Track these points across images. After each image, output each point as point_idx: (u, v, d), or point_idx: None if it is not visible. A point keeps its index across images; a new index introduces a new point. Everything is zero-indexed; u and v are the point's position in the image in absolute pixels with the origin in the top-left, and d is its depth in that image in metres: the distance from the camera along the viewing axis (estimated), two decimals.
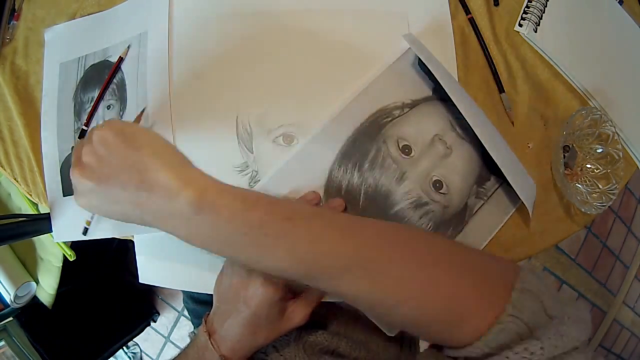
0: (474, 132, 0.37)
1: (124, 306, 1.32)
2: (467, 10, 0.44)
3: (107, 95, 0.46)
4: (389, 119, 0.41)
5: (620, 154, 0.42)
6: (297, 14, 0.43)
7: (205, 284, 0.42)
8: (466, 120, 0.37)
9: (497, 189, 0.41)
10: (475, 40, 0.44)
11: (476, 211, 0.41)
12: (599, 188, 0.43)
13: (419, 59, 0.39)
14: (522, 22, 0.45)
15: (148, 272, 0.45)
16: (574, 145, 0.44)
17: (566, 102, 0.45)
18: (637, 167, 0.46)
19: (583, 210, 0.41)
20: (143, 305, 1.40)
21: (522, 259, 0.43)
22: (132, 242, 0.45)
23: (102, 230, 0.46)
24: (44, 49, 0.49)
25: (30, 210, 0.63)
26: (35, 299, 0.80)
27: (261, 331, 0.34)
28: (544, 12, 0.45)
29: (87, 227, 0.45)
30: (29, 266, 0.79)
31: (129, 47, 0.44)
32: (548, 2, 0.45)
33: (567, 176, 0.43)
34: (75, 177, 0.29)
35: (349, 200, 0.40)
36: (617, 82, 0.46)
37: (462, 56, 0.43)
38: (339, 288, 0.26)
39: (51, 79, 0.49)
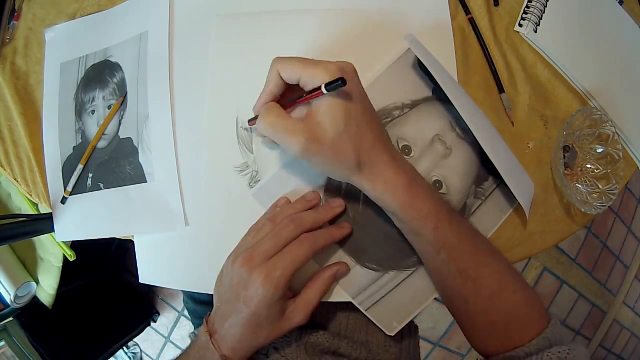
0: (473, 133, 0.37)
1: (124, 306, 1.33)
2: (467, 10, 0.44)
3: (107, 95, 0.46)
4: (389, 119, 0.41)
5: (620, 154, 0.42)
6: (297, 14, 0.43)
7: (205, 284, 0.42)
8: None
9: (494, 189, 0.41)
10: (475, 40, 0.44)
11: (474, 211, 0.41)
12: (599, 188, 0.43)
13: (419, 59, 0.39)
14: (522, 22, 0.45)
15: (148, 272, 0.45)
16: (574, 145, 0.44)
17: (566, 102, 0.45)
18: (637, 167, 0.46)
19: (583, 210, 0.41)
20: (143, 305, 1.40)
21: (522, 259, 0.44)
22: (132, 242, 0.45)
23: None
24: (44, 49, 0.49)
25: (30, 210, 0.63)
26: (35, 299, 0.80)
27: (261, 331, 0.34)
28: (544, 12, 0.45)
29: (65, 196, 0.47)
30: (29, 266, 0.79)
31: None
32: (548, 2, 0.45)
33: (567, 176, 0.43)
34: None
35: (349, 200, 0.40)
36: (617, 82, 0.46)
37: (462, 56, 0.43)
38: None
39: (52, 79, 0.49)
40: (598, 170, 0.44)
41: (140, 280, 0.45)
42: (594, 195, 0.43)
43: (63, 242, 0.64)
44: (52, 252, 0.74)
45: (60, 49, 0.49)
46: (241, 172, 0.42)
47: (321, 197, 0.40)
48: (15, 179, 0.49)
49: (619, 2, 0.48)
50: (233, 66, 0.43)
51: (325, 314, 0.47)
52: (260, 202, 0.41)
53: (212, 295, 0.39)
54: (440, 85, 0.37)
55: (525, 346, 0.33)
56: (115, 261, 1.28)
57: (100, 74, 0.46)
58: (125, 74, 0.45)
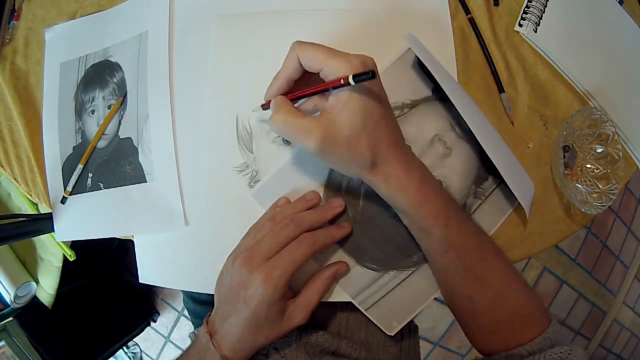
0: (473, 133, 0.37)
1: (124, 306, 1.33)
2: (467, 10, 0.44)
3: (107, 95, 0.46)
4: None
5: (620, 154, 0.42)
6: (296, 14, 0.43)
7: (205, 284, 0.42)
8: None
9: (494, 189, 0.41)
10: (475, 40, 0.44)
11: (474, 211, 0.41)
12: (599, 188, 0.43)
13: (419, 59, 0.39)
14: (522, 22, 0.45)
15: (148, 272, 0.45)
16: (574, 145, 0.44)
17: (566, 102, 0.45)
18: (637, 167, 0.46)
19: (583, 210, 0.41)
20: (143, 305, 1.40)
21: (522, 259, 0.44)
22: (132, 242, 0.45)
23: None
24: (44, 49, 0.49)
25: (30, 210, 0.63)
26: (35, 299, 0.80)
27: (261, 331, 0.34)
28: (544, 12, 0.45)
29: (65, 196, 0.47)
30: (29, 266, 0.79)
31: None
32: (548, 2, 0.45)
33: (567, 176, 0.43)
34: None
35: (349, 200, 0.40)
36: (617, 82, 0.46)
37: (462, 56, 0.43)
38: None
39: (52, 79, 0.49)
40: (598, 170, 0.44)
41: (140, 280, 0.45)
42: (594, 195, 0.43)
43: (63, 242, 0.64)
44: (52, 252, 0.74)
45: (60, 49, 0.49)
46: (241, 172, 0.42)
47: (321, 197, 0.40)
48: (15, 179, 0.49)
49: (619, 2, 0.48)
50: (233, 66, 0.43)
51: (325, 314, 0.47)
52: (260, 202, 0.41)
53: (212, 295, 0.39)
54: (440, 85, 0.37)
55: (527, 345, 0.34)
56: (115, 261, 1.28)
57: (100, 74, 0.46)
58: (125, 74, 0.45)
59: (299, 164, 0.40)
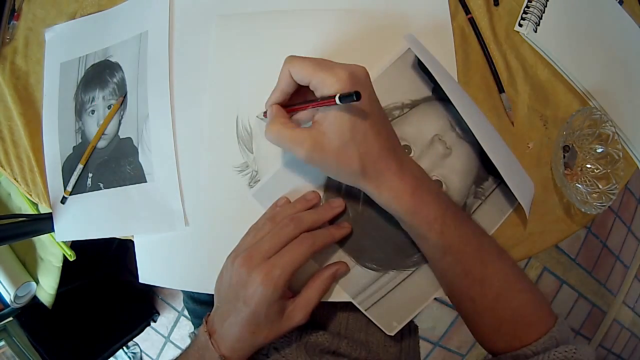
0: (473, 133, 0.37)
1: (124, 306, 1.33)
2: (467, 10, 0.44)
3: (107, 95, 0.46)
4: (389, 119, 0.41)
5: (620, 154, 0.42)
6: (296, 14, 0.43)
7: (205, 284, 0.42)
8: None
9: (494, 189, 0.41)
10: (475, 40, 0.44)
11: (474, 211, 0.41)
12: (599, 188, 0.43)
13: (419, 59, 0.39)
14: (522, 22, 0.45)
15: (148, 272, 0.45)
16: (574, 145, 0.44)
17: (566, 102, 0.45)
18: (637, 167, 0.46)
19: (583, 210, 0.41)
20: (143, 305, 1.40)
21: (522, 258, 0.44)
22: (132, 242, 0.45)
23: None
24: (44, 49, 0.49)
25: (30, 210, 0.63)
26: (35, 299, 0.80)
27: (261, 331, 0.34)
28: (544, 12, 0.45)
29: (65, 196, 0.47)
30: (29, 266, 0.79)
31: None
32: (548, 2, 0.45)
33: (567, 176, 0.43)
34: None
35: (349, 200, 0.40)
36: (617, 82, 0.46)
37: (462, 56, 0.43)
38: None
39: (52, 79, 0.49)
40: (598, 170, 0.44)
41: (140, 280, 0.45)
42: (594, 195, 0.43)
43: (63, 242, 0.64)
44: (52, 252, 0.75)
45: (60, 49, 0.49)
46: (241, 172, 0.42)
47: (321, 197, 0.40)
48: (15, 179, 0.49)
49: (619, 2, 0.48)
50: (233, 66, 0.43)
51: (325, 314, 0.47)
52: (260, 202, 0.41)
53: (212, 295, 0.39)
54: (440, 85, 0.37)
55: (532, 345, 0.34)
56: (115, 261, 1.28)
57: (100, 74, 0.47)
58: (125, 74, 0.45)
59: (299, 164, 0.40)
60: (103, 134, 0.46)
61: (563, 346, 0.32)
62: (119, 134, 0.45)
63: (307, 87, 0.33)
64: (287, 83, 0.34)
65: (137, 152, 0.44)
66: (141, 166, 0.44)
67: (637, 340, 1.66)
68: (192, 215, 0.43)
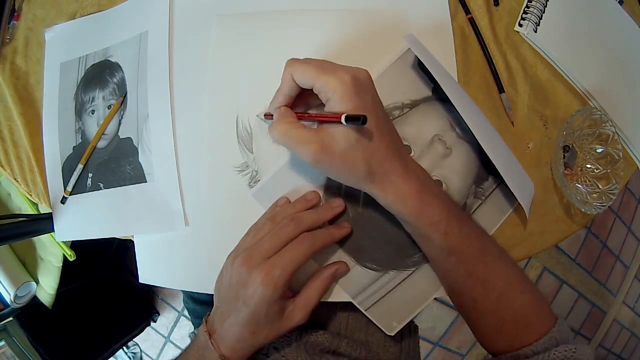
0: (473, 133, 0.37)
1: (124, 306, 1.33)
2: (467, 10, 0.44)
3: (107, 95, 0.46)
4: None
5: (620, 154, 0.42)
6: (296, 13, 0.43)
7: (205, 284, 0.42)
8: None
9: (494, 189, 0.41)
10: (475, 40, 0.44)
11: (474, 211, 0.41)
12: (599, 188, 0.43)
13: (419, 59, 0.39)
14: (522, 22, 0.45)
15: (148, 272, 0.45)
16: (574, 145, 0.44)
17: (566, 102, 0.45)
18: (637, 167, 0.46)
19: (583, 210, 0.41)
20: (143, 305, 1.40)
21: (522, 258, 0.44)
22: (132, 242, 0.45)
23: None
24: (44, 49, 0.49)
25: (30, 210, 0.63)
26: (35, 299, 0.80)
27: (261, 330, 0.34)
28: (544, 12, 0.45)
29: (65, 196, 0.47)
30: (29, 266, 0.79)
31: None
32: (548, 2, 0.45)
33: (567, 176, 0.43)
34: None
35: (349, 200, 0.40)
36: (617, 82, 0.46)
37: (462, 56, 0.43)
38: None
39: (52, 79, 0.49)
40: (598, 170, 0.44)
41: (140, 280, 0.45)
42: (594, 195, 0.43)
43: (63, 242, 0.64)
44: (52, 252, 0.75)
45: (60, 49, 0.49)
46: (241, 172, 0.42)
47: (321, 197, 0.40)
48: (15, 179, 0.49)
49: (619, 2, 0.48)
50: (233, 66, 0.43)
51: (325, 314, 0.47)
52: (260, 202, 0.41)
53: (212, 295, 0.39)
54: (440, 85, 0.37)
55: (532, 345, 0.34)
56: (115, 261, 1.28)
57: (100, 74, 0.46)
58: (125, 74, 0.45)
59: (299, 164, 0.40)
60: (103, 134, 0.46)
61: (563, 346, 0.32)
62: (119, 134, 0.45)
63: (309, 90, 0.33)
64: (290, 87, 0.34)
65: (137, 152, 0.44)
66: (141, 166, 0.44)
67: (637, 340, 1.66)
68: (192, 215, 0.43)
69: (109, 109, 0.46)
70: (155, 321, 1.42)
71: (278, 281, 0.32)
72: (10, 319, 0.84)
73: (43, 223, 0.49)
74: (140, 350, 1.47)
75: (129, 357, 1.46)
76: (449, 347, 1.42)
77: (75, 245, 0.66)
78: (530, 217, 0.41)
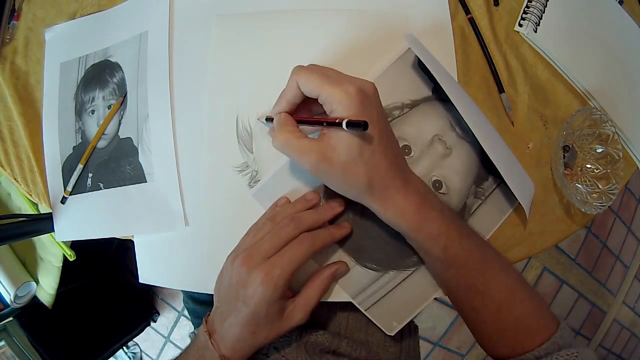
0: (473, 133, 0.37)
1: (124, 306, 1.33)
2: (467, 10, 0.44)
3: (107, 95, 0.46)
4: (389, 119, 0.41)
5: (620, 154, 0.42)
6: (297, 14, 0.43)
7: (205, 284, 0.42)
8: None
9: (494, 189, 0.41)
10: (475, 40, 0.44)
11: (474, 211, 0.41)
12: (599, 188, 0.43)
13: (419, 59, 0.39)
14: (522, 22, 0.45)
15: (148, 272, 0.45)
16: (574, 145, 0.44)
17: (566, 102, 0.45)
18: (637, 167, 0.46)
19: (583, 210, 0.41)
20: (143, 305, 1.40)
21: (522, 258, 0.44)
22: (132, 242, 0.45)
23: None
24: (44, 49, 0.49)
25: (30, 210, 0.63)
26: (35, 299, 0.80)
27: (261, 330, 0.34)
28: (544, 12, 0.45)
29: (65, 196, 0.47)
30: (29, 266, 0.79)
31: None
32: (548, 2, 0.45)
33: (567, 176, 0.43)
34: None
35: (349, 200, 0.40)
36: (617, 82, 0.46)
37: (462, 56, 0.43)
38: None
39: (52, 79, 0.49)
40: (598, 170, 0.44)
41: (140, 280, 0.45)
42: (594, 195, 0.43)
43: (63, 242, 0.64)
44: (52, 252, 0.75)
45: (60, 49, 0.49)
46: (241, 172, 0.42)
47: (321, 197, 0.40)
48: (15, 179, 0.49)
49: (619, 2, 0.48)
50: (233, 66, 0.43)
51: (325, 314, 0.47)
52: (260, 202, 0.41)
53: (212, 295, 0.39)
54: (440, 85, 0.37)
55: (535, 350, 0.34)
56: (115, 261, 1.28)
57: (100, 74, 0.46)
58: (125, 74, 0.45)
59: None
60: (103, 134, 0.46)
61: (565, 350, 0.33)
62: (119, 134, 0.45)
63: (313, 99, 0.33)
64: (294, 94, 0.33)
65: (137, 152, 0.44)
66: (141, 166, 0.44)
67: (637, 340, 1.66)
68: (192, 215, 0.43)
69: (109, 109, 0.46)
70: (155, 321, 1.42)
71: (278, 281, 0.32)
72: (10, 319, 0.84)
73: (43, 223, 0.49)
74: (140, 350, 1.47)
75: (129, 357, 1.46)
76: (449, 347, 1.42)
77: (75, 245, 0.66)
78: (530, 217, 0.41)
